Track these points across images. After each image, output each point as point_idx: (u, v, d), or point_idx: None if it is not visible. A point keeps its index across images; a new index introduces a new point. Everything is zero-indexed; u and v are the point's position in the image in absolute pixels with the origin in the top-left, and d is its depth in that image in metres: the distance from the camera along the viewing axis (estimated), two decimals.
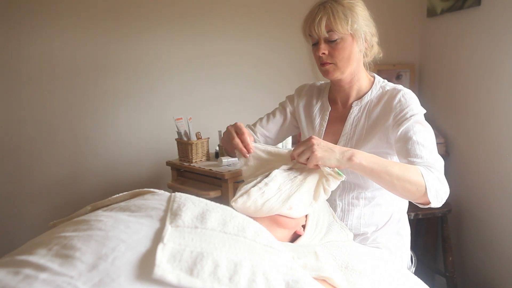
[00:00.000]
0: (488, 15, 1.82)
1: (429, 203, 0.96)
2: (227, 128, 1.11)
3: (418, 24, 2.44)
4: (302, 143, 0.98)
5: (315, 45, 1.14)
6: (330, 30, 1.09)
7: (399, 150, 1.08)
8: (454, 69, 2.13)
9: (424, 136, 1.05)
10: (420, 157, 1.01)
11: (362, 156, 0.95)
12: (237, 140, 1.04)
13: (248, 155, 1.04)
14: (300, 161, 0.97)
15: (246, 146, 1.04)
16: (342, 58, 1.12)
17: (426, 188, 0.94)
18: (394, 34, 2.39)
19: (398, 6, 2.42)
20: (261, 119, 1.41)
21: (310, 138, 0.97)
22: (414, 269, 1.30)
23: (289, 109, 1.37)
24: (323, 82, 1.36)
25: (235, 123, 1.08)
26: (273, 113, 1.40)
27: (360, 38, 1.12)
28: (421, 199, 0.97)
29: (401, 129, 1.07)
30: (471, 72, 1.97)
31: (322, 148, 0.95)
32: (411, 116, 1.08)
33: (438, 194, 0.96)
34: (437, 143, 2.22)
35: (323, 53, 1.12)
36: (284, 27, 2.42)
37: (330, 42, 1.11)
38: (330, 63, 1.13)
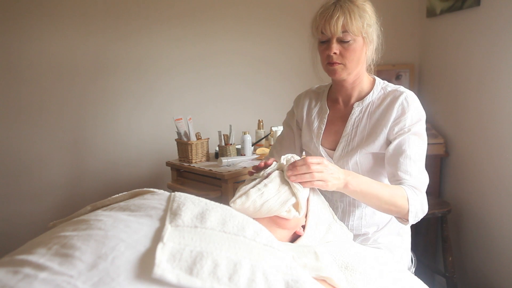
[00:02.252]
0: (487, 15, 1.82)
1: (406, 221, 1.06)
2: None
3: (418, 25, 2.44)
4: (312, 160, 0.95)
5: (324, 43, 1.12)
6: (345, 30, 1.08)
7: (390, 158, 1.10)
8: (453, 69, 2.12)
9: (416, 151, 1.08)
10: (410, 174, 1.06)
11: (355, 182, 0.98)
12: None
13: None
14: (298, 173, 0.93)
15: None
16: (352, 60, 1.11)
17: (408, 211, 1.03)
18: (393, 34, 2.38)
19: (398, 6, 2.42)
20: (274, 147, 1.40)
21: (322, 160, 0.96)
22: (414, 269, 1.30)
23: (292, 123, 1.36)
24: (318, 85, 1.35)
25: None
26: (281, 135, 1.41)
27: (372, 42, 1.13)
28: (400, 218, 1.08)
29: (398, 139, 1.09)
30: (470, 72, 1.97)
31: (332, 176, 0.95)
32: (410, 126, 1.09)
33: (417, 216, 1.05)
34: (436, 143, 2.23)
35: (335, 53, 1.10)
36: (284, 27, 2.43)
37: (342, 42, 1.10)
38: (339, 63, 1.12)
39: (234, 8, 2.38)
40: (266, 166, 1.01)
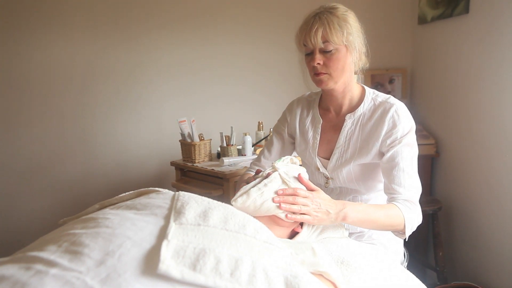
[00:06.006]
0: (476, 22, 1.82)
1: (403, 235, 1.06)
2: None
3: (410, 31, 2.44)
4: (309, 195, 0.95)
5: (309, 55, 1.11)
6: (325, 41, 1.06)
7: (385, 171, 1.10)
8: (444, 73, 2.13)
9: (409, 163, 1.08)
10: (403, 186, 1.06)
11: (354, 215, 0.97)
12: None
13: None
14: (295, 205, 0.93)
15: None
16: (337, 69, 1.09)
17: (404, 227, 1.03)
18: (387, 40, 2.40)
19: (391, 14, 2.42)
20: (262, 152, 1.36)
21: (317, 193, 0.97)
22: (406, 264, 1.30)
23: (283, 130, 1.32)
24: (310, 92, 1.32)
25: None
26: (270, 141, 1.36)
27: (354, 50, 1.10)
28: (396, 232, 1.08)
29: (391, 152, 1.08)
30: (459, 75, 1.97)
31: (319, 211, 0.94)
32: (401, 137, 1.08)
33: (412, 228, 1.05)
34: (428, 144, 2.22)
35: (318, 63, 1.09)
36: (286, 30, 2.39)
37: (325, 52, 1.08)
38: (325, 73, 1.10)
39: (235, 11, 2.36)
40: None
